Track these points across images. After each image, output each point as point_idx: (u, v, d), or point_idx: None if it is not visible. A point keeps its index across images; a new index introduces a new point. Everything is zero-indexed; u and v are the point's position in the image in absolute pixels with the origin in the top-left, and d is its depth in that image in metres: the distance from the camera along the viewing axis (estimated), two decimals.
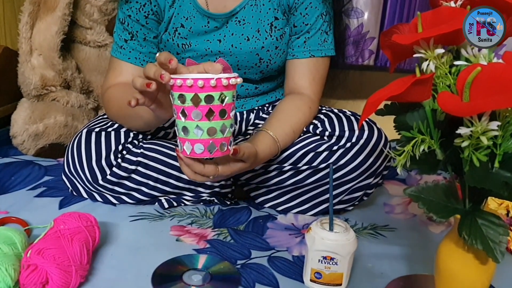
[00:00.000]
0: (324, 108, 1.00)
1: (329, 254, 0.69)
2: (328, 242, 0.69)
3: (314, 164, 0.89)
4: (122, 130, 0.92)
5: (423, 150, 0.57)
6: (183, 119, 0.68)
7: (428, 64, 0.55)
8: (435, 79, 0.57)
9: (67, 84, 1.18)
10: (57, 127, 1.12)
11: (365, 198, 0.97)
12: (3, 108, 1.20)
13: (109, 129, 0.92)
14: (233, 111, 0.71)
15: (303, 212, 0.95)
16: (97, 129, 0.92)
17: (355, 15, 1.25)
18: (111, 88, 0.91)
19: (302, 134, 0.93)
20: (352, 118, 0.93)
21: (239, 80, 0.69)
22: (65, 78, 1.16)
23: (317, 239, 0.69)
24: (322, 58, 0.95)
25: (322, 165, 0.89)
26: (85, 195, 0.95)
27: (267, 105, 1.05)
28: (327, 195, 0.93)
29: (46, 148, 1.12)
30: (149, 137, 0.95)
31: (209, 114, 0.67)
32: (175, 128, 0.72)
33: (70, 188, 0.95)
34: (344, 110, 0.98)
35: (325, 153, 0.89)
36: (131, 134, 0.92)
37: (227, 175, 0.77)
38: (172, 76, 0.67)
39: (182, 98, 0.67)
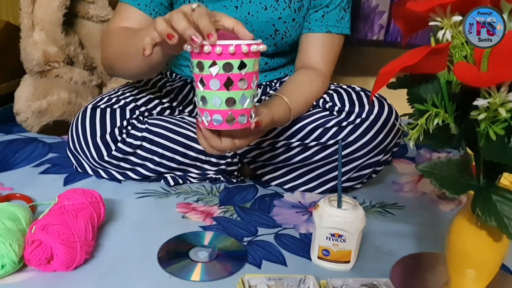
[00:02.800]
0: (333, 84, 0.98)
1: (337, 231, 0.68)
2: (337, 219, 0.67)
3: (323, 140, 0.88)
4: (128, 108, 0.90)
5: (437, 124, 0.54)
6: (201, 88, 0.66)
7: (444, 33, 0.53)
8: (450, 50, 0.54)
9: (70, 60, 1.16)
10: (61, 104, 1.10)
11: (374, 175, 0.95)
12: (6, 84, 1.18)
13: (115, 106, 0.90)
14: (256, 81, 0.67)
15: (310, 190, 0.94)
16: (102, 106, 0.90)
17: None
18: (116, 29, 0.86)
19: (311, 109, 0.91)
20: (362, 93, 0.91)
21: (262, 47, 0.65)
22: (68, 53, 1.14)
23: (325, 216, 0.68)
24: (338, 35, 0.93)
25: (331, 142, 0.87)
26: (90, 172, 0.94)
27: (275, 80, 1.03)
28: (335, 173, 0.91)
29: (50, 125, 1.11)
30: (154, 112, 0.93)
31: (228, 84, 0.64)
32: (195, 97, 0.68)
33: (75, 164, 0.94)
34: (353, 86, 0.96)
35: (334, 129, 0.87)
36: (137, 111, 0.90)
37: (243, 146, 0.75)
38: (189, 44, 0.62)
39: (200, 65, 0.64)
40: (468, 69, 0.50)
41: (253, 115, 0.70)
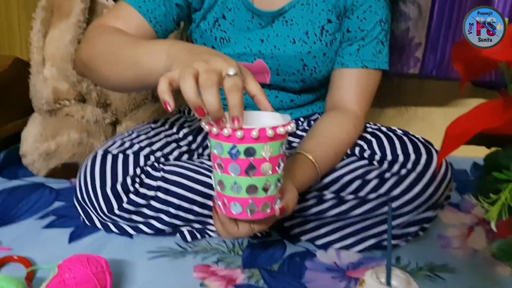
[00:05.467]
0: (370, 125, 0.87)
1: None
2: None
3: (361, 194, 0.77)
4: (142, 153, 0.81)
5: None
6: (219, 171, 0.59)
7: None
8: None
9: (82, 98, 1.08)
10: (71, 145, 1.02)
11: (420, 233, 0.83)
12: (13, 124, 1.11)
13: (128, 151, 0.81)
14: (282, 164, 0.59)
15: (347, 247, 0.82)
16: (114, 151, 0.81)
17: (402, 18, 1.11)
18: (109, 28, 0.75)
19: (345, 157, 0.81)
20: (405, 138, 0.80)
21: (291, 127, 0.58)
22: (80, 91, 1.06)
23: None
24: (375, 71, 0.83)
25: (372, 196, 0.76)
26: (99, 225, 0.84)
27: (301, 119, 0.93)
28: (376, 229, 0.80)
29: (58, 168, 1.02)
30: (170, 157, 0.84)
31: (250, 169, 0.57)
32: (212, 178, 0.62)
33: (83, 216, 0.85)
34: (393, 128, 0.85)
35: (374, 182, 0.76)
36: (152, 157, 0.81)
37: (263, 231, 0.67)
38: (208, 119, 0.56)
39: (219, 147, 0.57)
40: None
41: (278, 201, 0.62)
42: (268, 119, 0.61)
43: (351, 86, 0.83)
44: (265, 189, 0.59)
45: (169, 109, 0.55)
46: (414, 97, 1.21)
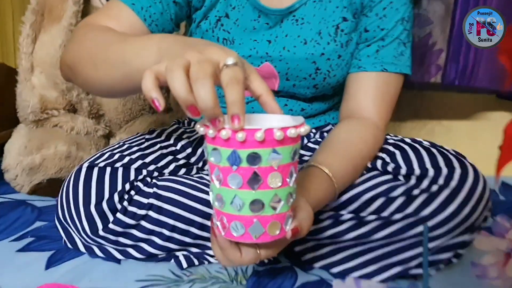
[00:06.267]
0: (391, 136, 0.78)
1: None
2: None
3: (385, 214, 0.67)
4: (133, 166, 0.72)
5: None
6: (217, 184, 0.49)
7: None
8: None
9: (73, 107, 1.01)
10: (57, 158, 0.94)
11: (454, 260, 0.72)
12: None
13: (117, 164, 0.72)
14: (294, 175, 0.50)
15: (368, 276, 0.71)
16: (101, 164, 0.72)
17: (423, 22, 1.02)
18: (98, 26, 0.68)
19: (365, 172, 0.71)
20: (434, 150, 0.71)
21: (304, 129, 0.49)
22: (70, 99, 0.99)
23: None
24: (396, 75, 0.75)
25: (397, 216, 0.66)
26: (82, 249, 0.74)
27: (313, 130, 0.84)
28: (403, 255, 0.69)
29: (43, 184, 0.94)
30: (166, 171, 0.74)
31: (254, 181, 0.48)
32: (210, 194, 0.53)
33: (64, 238, 0.75)
34: (418, 139, 0.76)
35: (401, 199, 0.66)
36: (144, 171, 0.72)
37: (271, 257, 0.58)
38: (205, 121, 0.48)
39: (217, 154, 0.48)
40: None
41: (290, 220, 0.53)
42: (277, 123, 0.52)
43: (370, 91, 0.75)
44: (273, 206, 0.50)
45: (159, 107, 0.47)
46: (435, 107, 1.11)
